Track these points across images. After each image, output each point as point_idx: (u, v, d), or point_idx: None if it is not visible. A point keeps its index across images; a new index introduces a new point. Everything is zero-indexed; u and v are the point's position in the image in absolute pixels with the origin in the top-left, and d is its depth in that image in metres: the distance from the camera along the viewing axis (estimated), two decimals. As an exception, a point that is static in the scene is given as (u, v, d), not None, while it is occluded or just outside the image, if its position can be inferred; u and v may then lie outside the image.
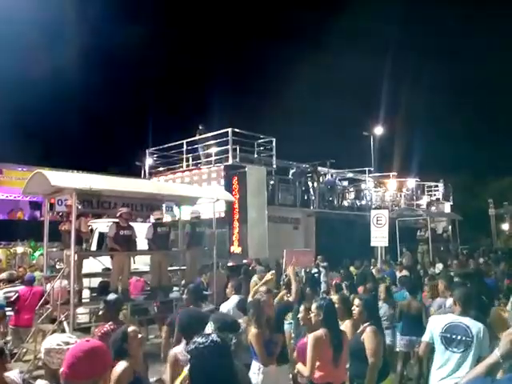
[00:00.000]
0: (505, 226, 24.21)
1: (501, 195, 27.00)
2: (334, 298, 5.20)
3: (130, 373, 3.33)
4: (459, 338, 3.75)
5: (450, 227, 20.83)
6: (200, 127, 15.26)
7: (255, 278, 9.15)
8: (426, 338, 4.01)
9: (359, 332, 4.21)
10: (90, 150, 29.66)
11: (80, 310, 7.46)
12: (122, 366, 3.35)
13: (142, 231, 8.85)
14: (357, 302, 4.38)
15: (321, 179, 17.50)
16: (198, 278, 8.89)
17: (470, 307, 4.00)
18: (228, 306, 5.97)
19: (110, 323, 4.31)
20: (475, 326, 3.78)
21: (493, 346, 3.71)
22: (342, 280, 9.07)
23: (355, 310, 4.33)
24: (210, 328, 3.34)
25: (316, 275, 10.60)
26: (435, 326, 3.95)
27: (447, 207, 23.61)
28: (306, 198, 16.67)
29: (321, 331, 4.07)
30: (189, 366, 2.25)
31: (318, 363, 4.01)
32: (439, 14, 39.11)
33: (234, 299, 6.23)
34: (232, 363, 2.37)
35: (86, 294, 8.15)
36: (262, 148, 15.00)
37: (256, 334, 4.33)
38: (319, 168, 17.91)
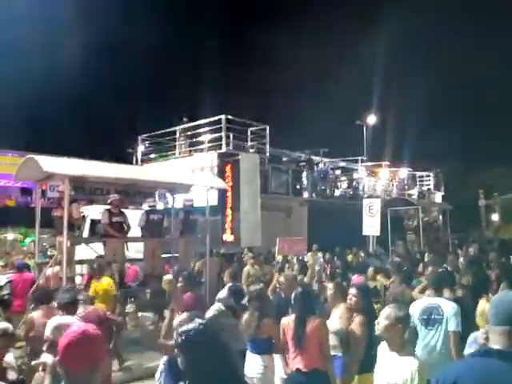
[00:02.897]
0: (494, 217, 24.44)
1: (491, 186, 27.25)
2: (329, 285, 5.23)
3: None
4: (433, 317, 4.26)
5: (440, 217, 21.00)
6: (184, 119, 15.20)
7: (248, 266, 9.19)
8: None
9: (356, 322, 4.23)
10: (81, 136, 29.34)
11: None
12: None
13: (135, 218, 8.82)
14: (353, 291, 4.38)
15: (314, 168, 17.51)
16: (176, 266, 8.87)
17: (441, 289, 4.60)
18: (224, 294, 5.99)
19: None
20: (446, 305, 4.27)
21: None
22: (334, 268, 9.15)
23: (352, 299, 4.34)
24: (215, 307, 3.43)
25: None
26: (414, 311, 4.39)
27: (438, 197, 23.77)
28: (298, 186, 16.68)
29: (289, 317, 4.22)
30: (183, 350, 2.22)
31: (289, 348, 4.13)
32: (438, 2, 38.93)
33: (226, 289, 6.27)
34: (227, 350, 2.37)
35: (78, 280, 8.13)
36: (255, 136, 14.95)
37: (275, 324, 4.35)
38: (312, 157, 17.92)
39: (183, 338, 2.23)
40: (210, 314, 3.44)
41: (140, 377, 6.30)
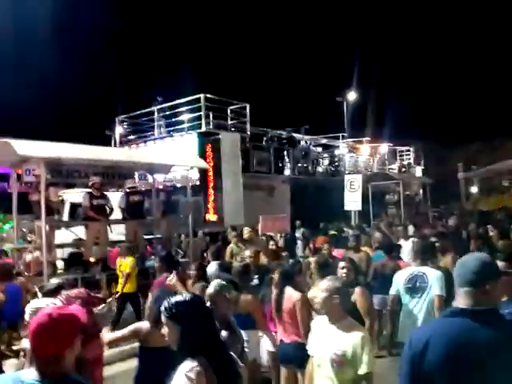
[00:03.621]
0: (473, 189, 24.81)
1: (470, 159, 27.63)
2: (312, 259, 5.27)
3: None
4: (418, 285, 4.37)
5: (420, 191, 21.28)
6: (158, 99, 14.92)
7: (232, 244, 9.19)
8: (392, 291, 4.61)
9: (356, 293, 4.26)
10: (56, 119, 28.66)
11: (54, 280, 7.35)
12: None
13: (115, 200, 8.70)
14: (344, 263, 4.42)
15: (296, 146, 17.48)
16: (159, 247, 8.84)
17: (427, 258, 4.68)
18: (209, 272, 5.98)
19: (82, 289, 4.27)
20: (431, 273, 4.39)
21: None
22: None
23: (344, 270, 4.37)
24: (215, 283, 3.41)
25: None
26: (399, 280, 4.54)
27: (418, 171, 24.04)
28: (280, 164, 16.66)
29: (274, 291, 4.31)
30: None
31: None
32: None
33: (212, 266, 6.28)
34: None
35: (59, 264, 8.03)
36: (235, 114, 14.78)
37: (254, 300, 4.37)
38: (294, 134, 17.86)
39: (179, 308, 2.20)
40: (211, 289, 3.41)
41: (124, 358, 6.24)
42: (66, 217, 10.14)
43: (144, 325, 3.56)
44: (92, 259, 7.97)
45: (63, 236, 8.92)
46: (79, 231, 8.99)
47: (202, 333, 2.18)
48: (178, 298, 2.26)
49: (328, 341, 2.95)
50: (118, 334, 3.64)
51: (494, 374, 1.82)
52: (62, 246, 8.25)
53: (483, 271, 1.95)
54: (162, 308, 2.22)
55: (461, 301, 1.98)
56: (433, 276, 4.34)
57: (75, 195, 10.48)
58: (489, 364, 1.82)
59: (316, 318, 3.19)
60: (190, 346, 2.14)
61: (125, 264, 7.16)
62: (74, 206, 10.42)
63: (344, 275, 4.33)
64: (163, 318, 2.21)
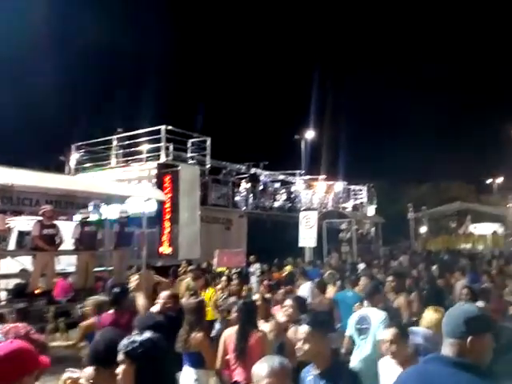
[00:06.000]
0: (422, 229, 25.76)
1: (420, 200, 28.85)
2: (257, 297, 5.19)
3: None
4: (364, 326, 4.49)
5: (372, 229, 21.87)
6: (118, 130, 14.90)
7: (188, 279, 9.02)
8: (348, 333, 4.70)
9: (291, 331, 4.22)
10: (7, 143, 27.65)
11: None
12: None
13: (66, 230, 8.44)
14: (289, 302, 4.40)
15: (258, 182, 17.68)
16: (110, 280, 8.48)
17: (373, 299, 4.74)
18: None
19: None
20: (375, 315, 4.46)
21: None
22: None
23: (287, 310, 4.35)
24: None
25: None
26: (352, 321, 4.67)
27: (371, 210, 24.75)
28: (238, 198, 16.73)
29: (231, 328, 4.18)
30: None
31: (230, 361, 4.05)
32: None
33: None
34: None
35: (2, 295, 7.61)
36: (195, 147, 14.84)
37: (205, 339, 4.24)
38: (254, 170, 18.09)
39: (144, 348, 2.10)
40: None
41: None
42: (12, 245, 9.69)
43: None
44: (38, 291, 7.62)
45: (8, 266, 8.50)
46: (25, 261, 8.61)
47: (160, 374, 2.10)
48: (140, 337, 2.15)
49: None
50: None
51: None
52: (6, 276, 7.85)
53: (467, 324, 1.96)
54: (124, 348, 2.09)
55: (444, 350, 2.01)
56: (376, 318, 4.43)
57: (23, 223, 10.07)
58: None
59: None
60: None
61: (207, 296, 7.05)
62: (22, 235, 10.00)
63: (287, 313, 4.33)
64: (123, 359, 2.07)
